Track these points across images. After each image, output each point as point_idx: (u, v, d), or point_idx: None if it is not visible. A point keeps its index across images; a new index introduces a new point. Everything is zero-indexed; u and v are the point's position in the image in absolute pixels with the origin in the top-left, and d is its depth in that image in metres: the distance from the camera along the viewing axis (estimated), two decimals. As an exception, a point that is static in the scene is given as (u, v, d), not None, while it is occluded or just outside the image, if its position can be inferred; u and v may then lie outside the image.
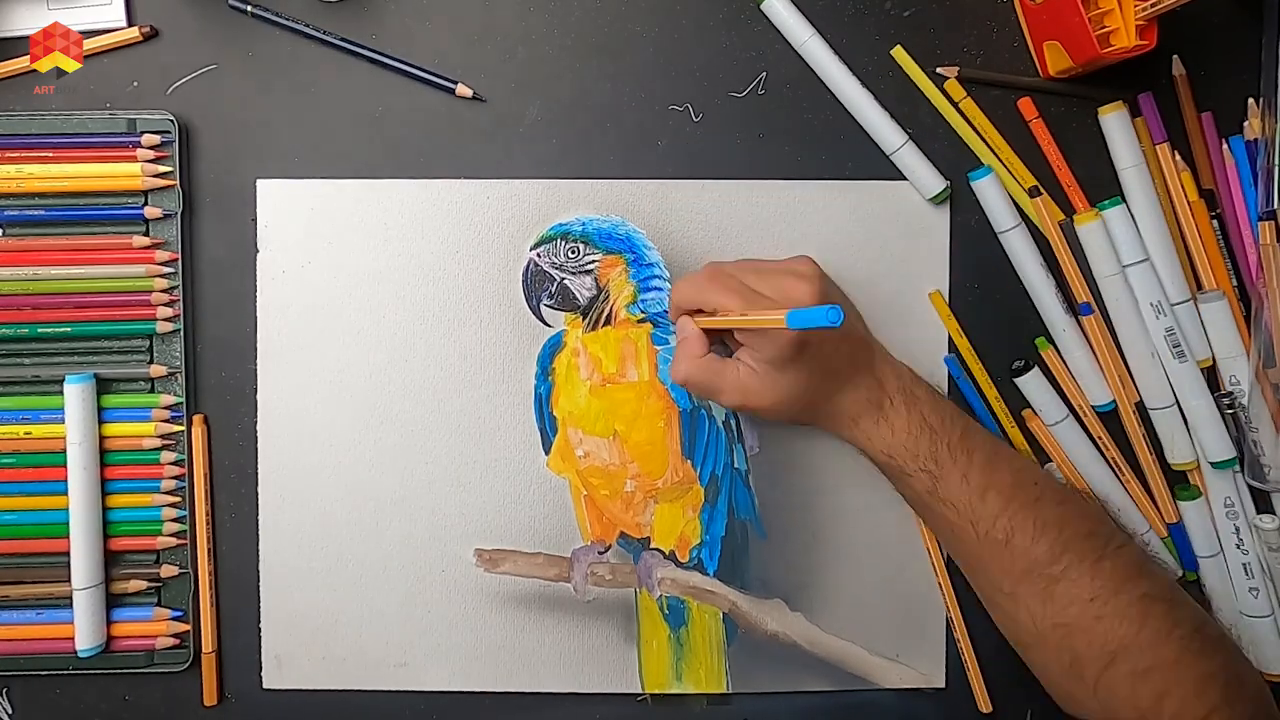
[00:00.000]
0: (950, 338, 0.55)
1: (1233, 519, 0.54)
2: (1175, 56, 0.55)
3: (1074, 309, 0.55)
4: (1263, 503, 0.55)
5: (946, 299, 0.55)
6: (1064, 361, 0.55)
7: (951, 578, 0.55)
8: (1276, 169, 0.52)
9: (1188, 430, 0.54)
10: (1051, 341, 0.55)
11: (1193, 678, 0.45)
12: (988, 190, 0.54)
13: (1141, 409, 0.55)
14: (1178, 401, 0.54)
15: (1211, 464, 0.54)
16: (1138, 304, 0.54)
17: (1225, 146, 0.54)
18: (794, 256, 0.53)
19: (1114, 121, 0.54)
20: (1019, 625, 0.49)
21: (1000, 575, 0.49)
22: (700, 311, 0.51)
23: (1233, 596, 0.55)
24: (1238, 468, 0.54)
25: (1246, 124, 0.54)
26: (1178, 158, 0.54)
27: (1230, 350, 0.54)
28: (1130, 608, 0.46)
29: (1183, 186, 0.54)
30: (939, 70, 0.55)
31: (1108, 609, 0.46)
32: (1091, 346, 0.54)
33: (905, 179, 0.55)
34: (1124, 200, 0.54)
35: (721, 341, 0.53)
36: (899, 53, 0.55)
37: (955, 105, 0.55)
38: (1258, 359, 0.53)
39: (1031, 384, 0.55)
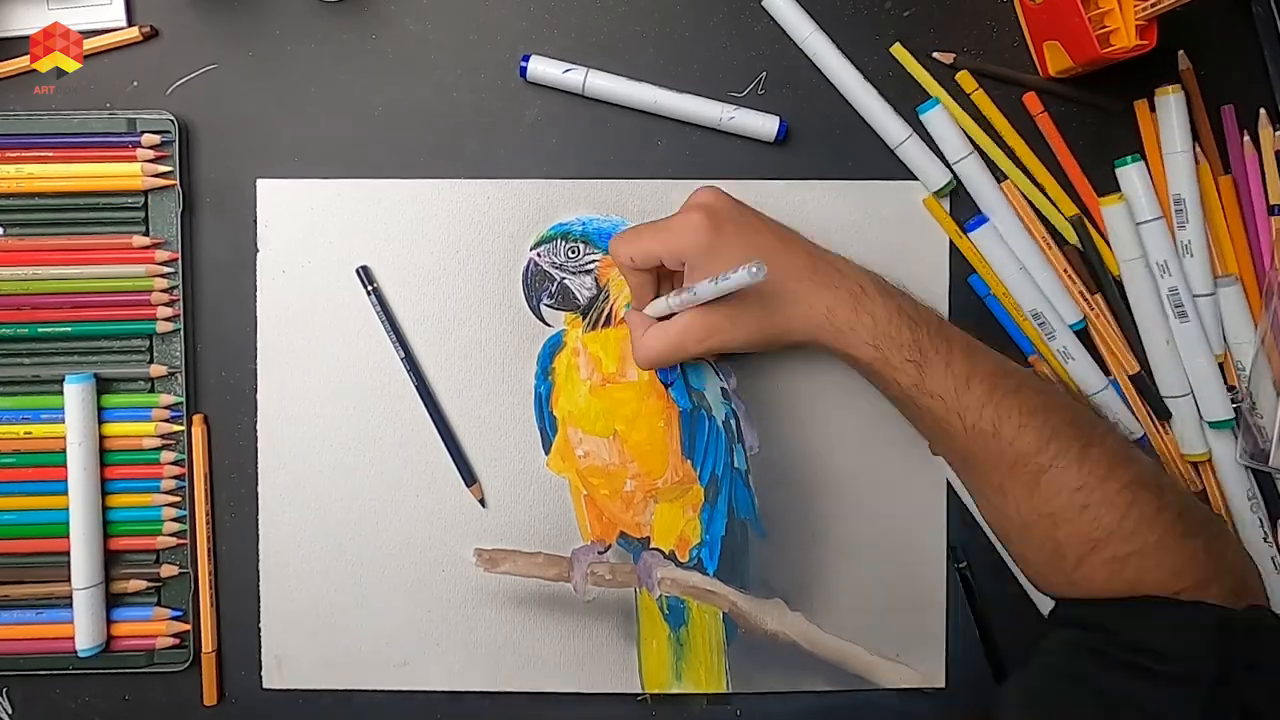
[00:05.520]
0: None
1: (1256, 512, 0.55)
2: (1180, 52, 0.54)
3: (1093, 287, 0.55)
4: (1274, 507, 0.55)
5: (946, 299, 0.56)
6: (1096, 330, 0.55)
7: (949, 577, 0.56)
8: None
9: (1201, 424, 0.55)
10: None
11: (1171, 562, 0.45)
12: (936, 121, 0.54)
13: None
14: (1192, 391, 0.54)
15: (1209, 424, 0.54)
16: (1158, 289, 0.54)
17: (1246, 138, 0.54)
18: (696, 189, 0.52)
19: (1171, 104, 0.53)
20: (1006, 517, 0.48)
21: (989, 468, 0.48)
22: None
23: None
24: (1235, 429, 0.54)
25: (1246, 140, 0.54)
26: (1198, 149, 0.54)
27: (1242, 337, 0.54)
28: (1117, 495, 0.45)
29: (1215, 180, 0.55)
30: (934, 55, 0.55)
31: (1094, 497, 0.46)
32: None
33: (905, 179, 0.55)
34: (1144, 159, 0.54)
35: None
36: (898, 50, 0.55)
37: (957, 102, 0.55)
38: (1266, 328, 0.53)
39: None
